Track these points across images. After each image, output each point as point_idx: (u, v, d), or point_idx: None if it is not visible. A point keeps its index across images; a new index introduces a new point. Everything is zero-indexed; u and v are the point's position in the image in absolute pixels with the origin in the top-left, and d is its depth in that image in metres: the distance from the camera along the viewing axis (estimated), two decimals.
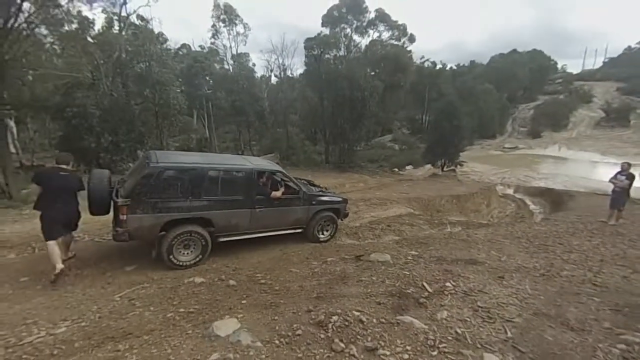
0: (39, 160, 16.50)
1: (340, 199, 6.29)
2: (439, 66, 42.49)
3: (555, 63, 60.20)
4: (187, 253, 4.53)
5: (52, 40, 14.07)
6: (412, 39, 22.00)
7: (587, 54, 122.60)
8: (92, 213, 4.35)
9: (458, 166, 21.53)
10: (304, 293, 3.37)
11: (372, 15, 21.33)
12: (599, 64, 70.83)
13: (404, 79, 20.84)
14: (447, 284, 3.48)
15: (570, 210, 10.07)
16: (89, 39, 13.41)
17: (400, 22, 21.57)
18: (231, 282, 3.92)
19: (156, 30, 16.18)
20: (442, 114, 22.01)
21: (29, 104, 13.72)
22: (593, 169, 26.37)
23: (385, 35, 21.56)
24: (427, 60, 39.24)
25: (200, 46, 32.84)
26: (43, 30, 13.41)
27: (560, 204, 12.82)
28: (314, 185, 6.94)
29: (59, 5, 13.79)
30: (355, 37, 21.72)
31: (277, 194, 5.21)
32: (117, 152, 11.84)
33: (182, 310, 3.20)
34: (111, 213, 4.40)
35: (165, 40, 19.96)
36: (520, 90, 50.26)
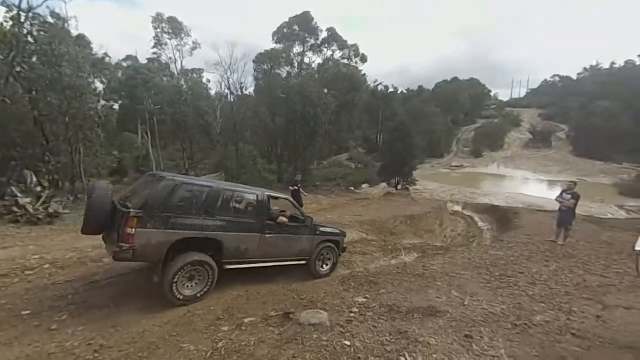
0: None
1: (339, 231, 5.98)
2: (390, 89, 44.63)
3: (489, 91, 67.31)
4: (191, 285, 4.05)
5: None
6: (364, 59, 22.46)
7: (513, 84, 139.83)
8: (85, 231, 3.85)
9: (411, 184, 21.75)
10: None
11: (325, 34, 21.39)
12: (522, 93, 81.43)
13: (358, 97, 20.87)
14: None
15: (518, 229, 10.04)
16: None
17: (351, 43, 21.88)
18: None
19: (75, 32, 13.95)
20: (395, 132, 22.37)
21: None
22: (527, 185, 28.83)
23: (338, 54, 21.67)
24: (380, 83, 40.84)
25: (148, 59, 30.41)
26: None
27: (507, 221, 13.04)
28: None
29: None
30: (309, 54, 21.52)
31: (284, 219, 5.04)
32: (5, 171, 9.37)
33: None
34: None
35: (88, 43, 17.47)
36: (461, 114, 54.75)
